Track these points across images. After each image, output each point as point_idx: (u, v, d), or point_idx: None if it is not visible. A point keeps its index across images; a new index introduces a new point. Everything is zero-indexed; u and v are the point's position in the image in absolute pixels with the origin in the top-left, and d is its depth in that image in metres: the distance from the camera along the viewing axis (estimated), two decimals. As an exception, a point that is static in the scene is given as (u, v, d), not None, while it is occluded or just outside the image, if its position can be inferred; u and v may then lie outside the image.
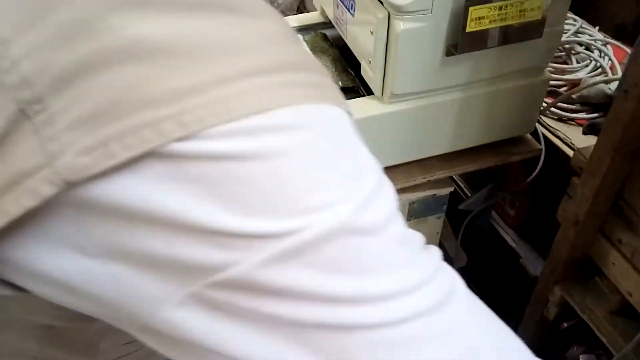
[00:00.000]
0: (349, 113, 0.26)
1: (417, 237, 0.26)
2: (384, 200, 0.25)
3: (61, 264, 0.23)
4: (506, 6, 0.75)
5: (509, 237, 1.17)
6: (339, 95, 0.26)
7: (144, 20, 0.21)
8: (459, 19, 0.74)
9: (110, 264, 0.22)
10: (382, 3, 0.76)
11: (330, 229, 0.22)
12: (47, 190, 0.21)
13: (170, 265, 0.22)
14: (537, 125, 0.98)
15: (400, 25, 0.74)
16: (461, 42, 0.76)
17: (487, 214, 1.20)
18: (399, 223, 0.25)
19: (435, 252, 0.27)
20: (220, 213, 0.21)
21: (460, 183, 1.29)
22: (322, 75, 0.25)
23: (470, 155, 0.95)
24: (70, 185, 0.21)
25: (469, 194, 1.23)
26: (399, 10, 0.73)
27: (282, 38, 0.24)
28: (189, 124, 0.21)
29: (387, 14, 0.75)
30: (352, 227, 0.23)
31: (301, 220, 0.22)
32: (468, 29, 0.75)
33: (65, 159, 0.20)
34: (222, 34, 0.22)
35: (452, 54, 0.78)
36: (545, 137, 0.99)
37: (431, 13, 0.74)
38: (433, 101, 0.85)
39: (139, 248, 0.22)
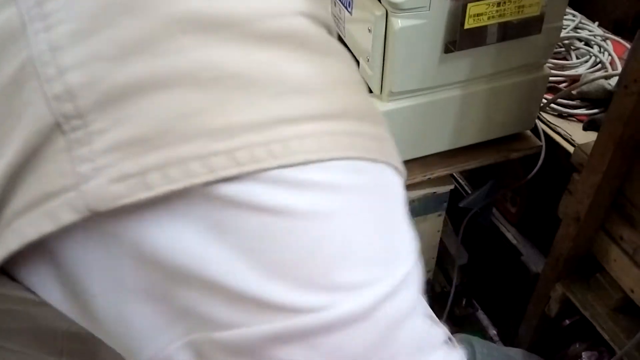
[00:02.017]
0: (402, 171, 0.24)
1: (436, 334, 0.24)
2: (412, 288, 0.23)
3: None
4: (504, 2, 0.74)
5: (510, 234, 1.17)
6: (395, 150, 0.24)
7: (214, 45, 0.19)
8: (457, 15, 0.74)
9: (118, 292, 0.21)
10: (379, 1, 0.75)
11: (352, 314, 0.20)
12: (67, 216, 0.19)
13: (177, 308, 0.20)
14: (537, 121, 0.98)
15: (398, 22, 0.74)
16: (460, 39, 0.75)
17: (488, 211, 1.20)
18: (419, 314, 0.23)
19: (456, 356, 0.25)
20: (242, 271, 0.19)
21: (460, 180, 1.28)
22: (384, 128, 0.23)
23: (470, 153, 0.94)
24: (95, 214, 0.19)
25: (470, 192, 1.23)
26: (397, 7, 0.72)
27: (351, 83, 0.23)
28: (243, 163, 0.19)
29: (384, 12, 0.75)
30: (373, 316, 0.20)
31: (326, 297, 0.20)
32: (466, 26, 0.74)
33: (95, 184, 0.18)
34: (293, 70, 0.20)
35: (451, 51, 0.77)
36: (545, 133, 0.98)
37: (429, 10, 0.74)
38: (432, 99, 0.84)
39: (148, 285, 0.20)
